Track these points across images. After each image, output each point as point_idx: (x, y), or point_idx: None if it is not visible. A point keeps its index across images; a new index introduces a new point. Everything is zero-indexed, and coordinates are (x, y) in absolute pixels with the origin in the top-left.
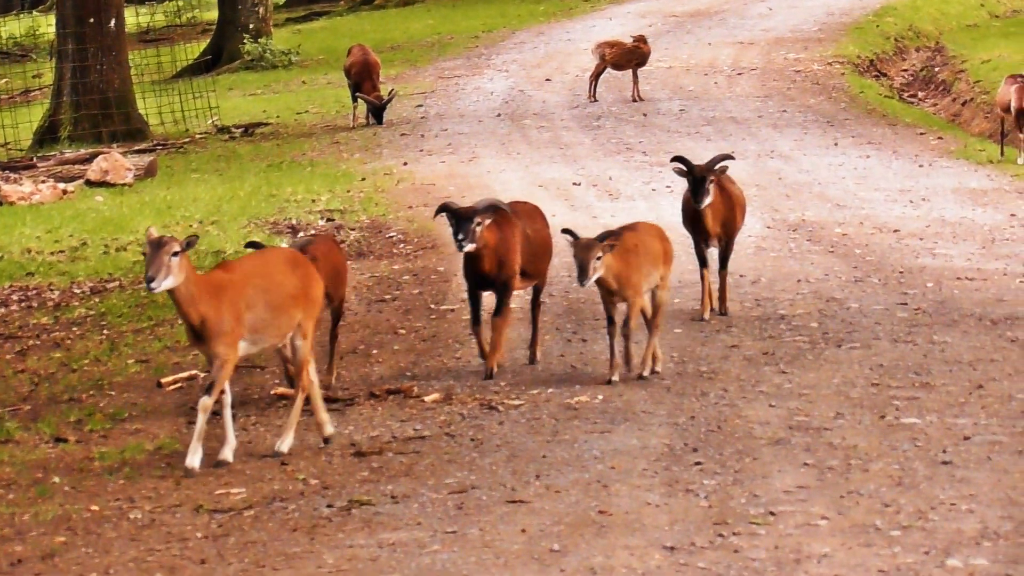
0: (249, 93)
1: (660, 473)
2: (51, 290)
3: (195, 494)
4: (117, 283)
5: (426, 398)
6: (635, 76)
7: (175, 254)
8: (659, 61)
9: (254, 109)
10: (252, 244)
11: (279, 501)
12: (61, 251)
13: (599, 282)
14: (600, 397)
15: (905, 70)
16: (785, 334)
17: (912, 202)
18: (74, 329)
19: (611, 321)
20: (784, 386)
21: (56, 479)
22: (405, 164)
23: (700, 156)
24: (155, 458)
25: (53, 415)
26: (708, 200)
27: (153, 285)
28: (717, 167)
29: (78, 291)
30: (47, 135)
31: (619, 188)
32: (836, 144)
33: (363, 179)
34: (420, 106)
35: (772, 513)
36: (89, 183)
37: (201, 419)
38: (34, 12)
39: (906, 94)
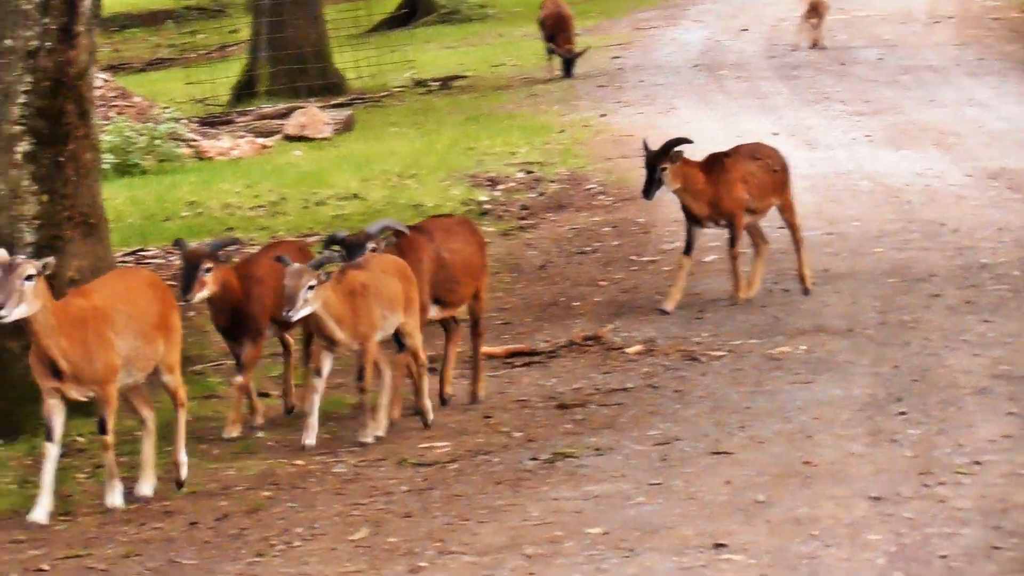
0: (445, 46)
1: (864, 423)
2: (251, 244)
3: (399, 448)
4: (317, 237)
5: (628, 350)
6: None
7: (29, 277)
8: (856, 10)
9: (450, 62)
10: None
11: (483, 454)
12: (260, 206)
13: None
14: (803, 347)
15: None
16: (987, 283)
17: None
18: None
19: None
20: (987, 335)
21: (260, 434)
22: (603, 116)
23: (898, 105)
24: (358, 412)
25: (256, 369)
26: (658, 192)
27: (2, 313)
28: (671, 152)
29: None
30: (244, 90)
31: (817, 138)
32: None
33: (561, 131)
34: (617, 58)
35: (977, 463)
36: (287, 137)
37: (109, 456)
38: None
39: None
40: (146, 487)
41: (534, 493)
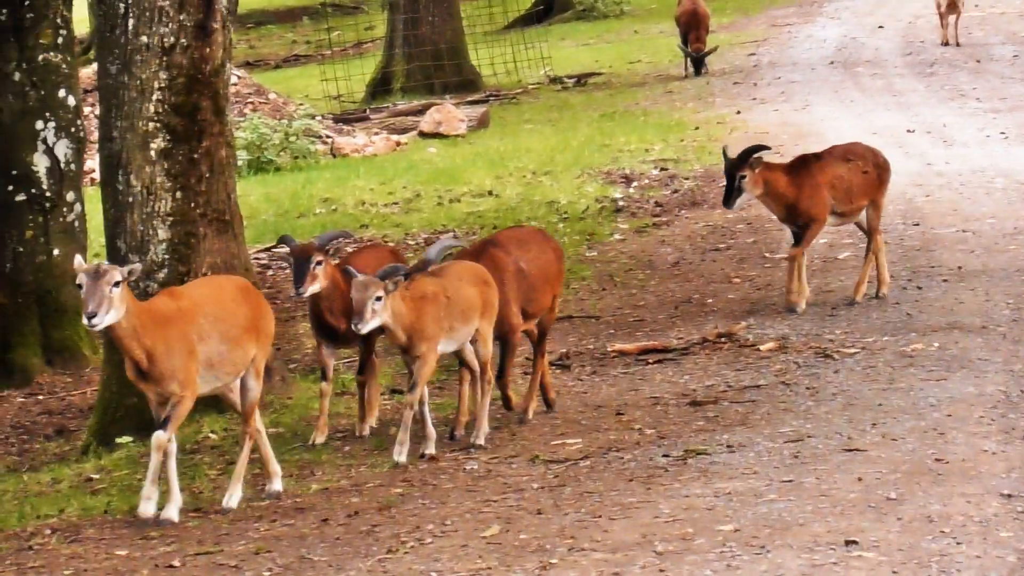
0: (581, 43)
1: (997, 420)
2: (385, 242)
3: (531, 445)
4: (451, 234)
5: (761, 347)
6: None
7: (116, 284)
8: (992, 7)
9: (586, 59)
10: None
11: (615, 451)
12: (395, 202)
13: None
14: (936, 344)
15: None
16: None
17: None
18: None
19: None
20: None
21: (393, 430)
22: (738, 113)
23: None
24: (491, 408)
25: (389, 366)
26: (739, 200)
27: (95, 321)
28: (751, 159)
29: (412, 242)
30: (380, 87)
31: (953, 135)
32: None
33: (696, 128)
34: (752, 55)
35: None
36: (422, 134)
37: (154, 458)
38: None
39: None
40: (276, 483)
41: (666, 490)
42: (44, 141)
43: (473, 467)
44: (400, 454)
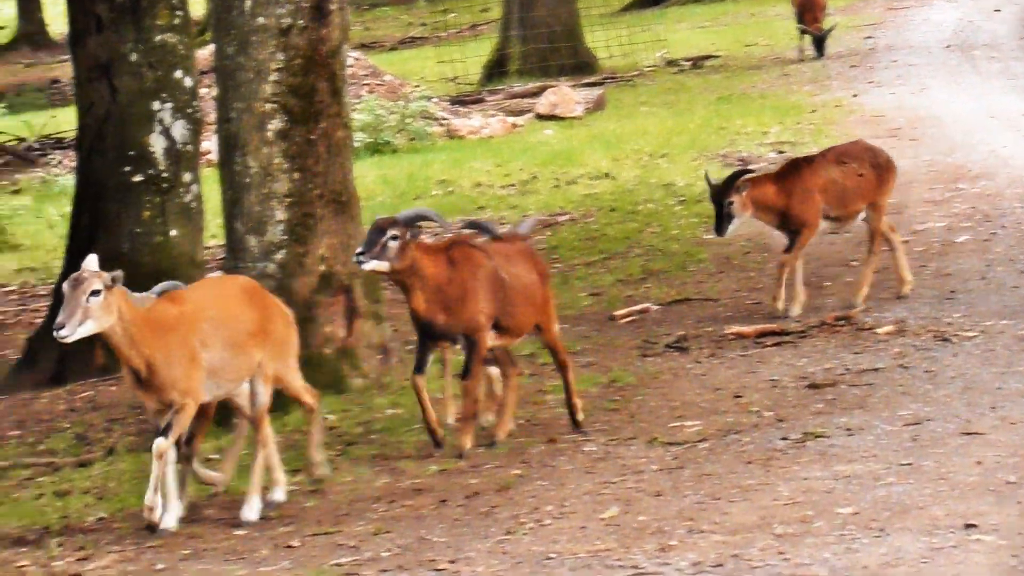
0: (697, 26)
1: None
2: (502, 223)
3: (650, 427)
4: (568, 216)
5: (879, 330)
6: None
7: (95, 293)
8: None
9: (702, 42)
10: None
11: (734, 434)
12: (511, 184)
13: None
14: None
15: None
16: None
17: None
18: None
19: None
20: None
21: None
22: (855, 96)
23: None
24: (608, 391)
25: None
26: (731, 227)
27: (63, 333)
28: (736, 184)
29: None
30: (496, 69)
31: None
32: None
33: (813, 111)
34: (869, 38)
35: None
36: (538, 116)
37: (156, 467)
38: None
39: None
40: (279, 492)
41: (784, 472)
42: (161, 122)
43: (592, 449)
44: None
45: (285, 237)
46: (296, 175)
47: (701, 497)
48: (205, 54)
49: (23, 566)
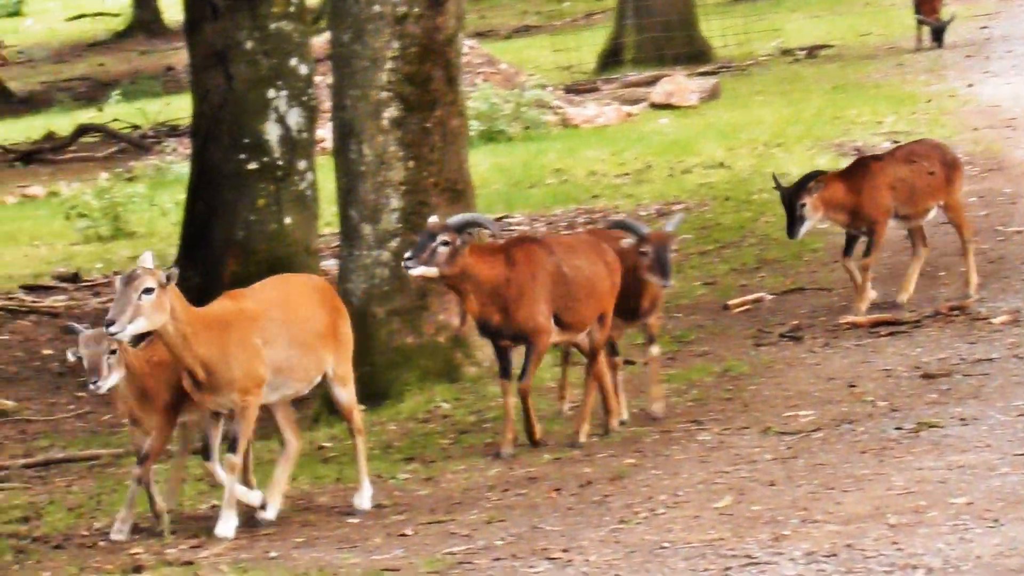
0: (812, 15)
1: None
2: (616, 212)
3: (763, 416)
4: (682, 205)
5: (994, 320)
6: None
7: (147, 291)
8: None
9: (817, 31)
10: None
11: (847, 423)
12: (626, 173)
13: None
14: None
15: None
16: None
17: None
18: None
19: None
20: None
21: (625, 401)
22: (970, 86)
23: None
24: (722, 380)
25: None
26: (803, 228)
27: (114, 329)
28: (809, 186)
29: (643, 213)
30: (610, 58)
31: None
32: None
33: (928, 101)
34: (984, 28)
35: None
36: (653, 105)
37: (228, 480)
38: None
39: None
40: (271, 510)
41: (898, 462)
42: (276, 110)
43: (705, 438)
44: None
45: (400, 225)
46: (411, 163)
47: (814, 487)
48: (321, 42)
49: (136, 554)
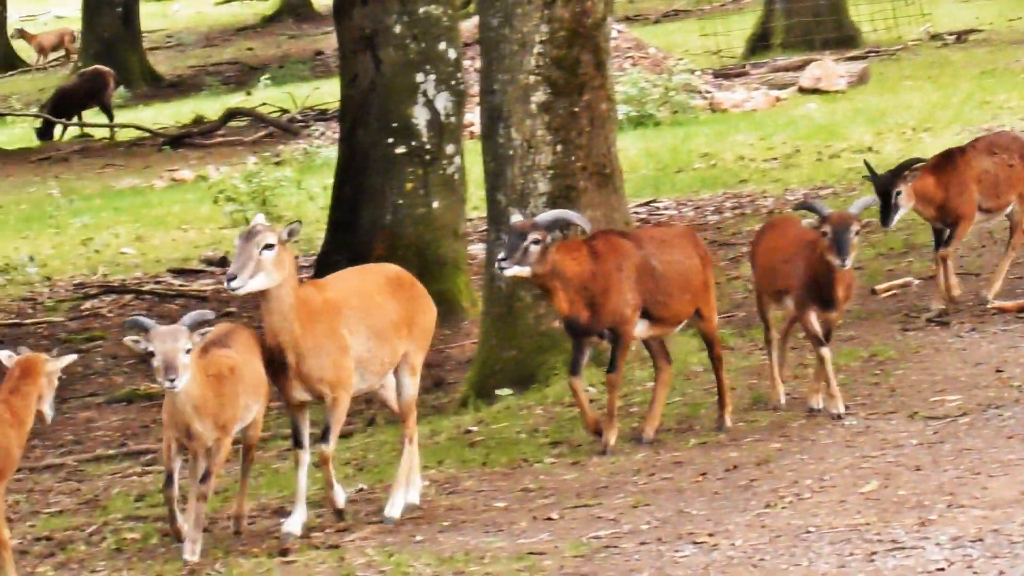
0: (961, 0)
1: None
2: (764, 197)
3: (910, 401)
4: (831, 191)
5: None
6: None
7: (268, 247)
8: None
9: (966, 15)
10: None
11: (994, 408)
12: (774, 158)
13: None
14: None
15: None
16: None
17: None
18: None
19: None
20: None
21: (770, 385)
22: None
23: None
24: (869, 365)
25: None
26: (897, 216)
27: (235, 284)
28: (906, 174)
29: (791, 198)
30: (759, 43)
31: None
32: None
33: None
34: None
35: None
36: (801, 90)
37: (326, 472)
38: None
39: None
40: (413, 494)
41: None
42: (424, 94)
43: (852, 423)
44: None
45: (547, 209)
46: (559, 147)
47: (961, 472)
48: (469, 26)
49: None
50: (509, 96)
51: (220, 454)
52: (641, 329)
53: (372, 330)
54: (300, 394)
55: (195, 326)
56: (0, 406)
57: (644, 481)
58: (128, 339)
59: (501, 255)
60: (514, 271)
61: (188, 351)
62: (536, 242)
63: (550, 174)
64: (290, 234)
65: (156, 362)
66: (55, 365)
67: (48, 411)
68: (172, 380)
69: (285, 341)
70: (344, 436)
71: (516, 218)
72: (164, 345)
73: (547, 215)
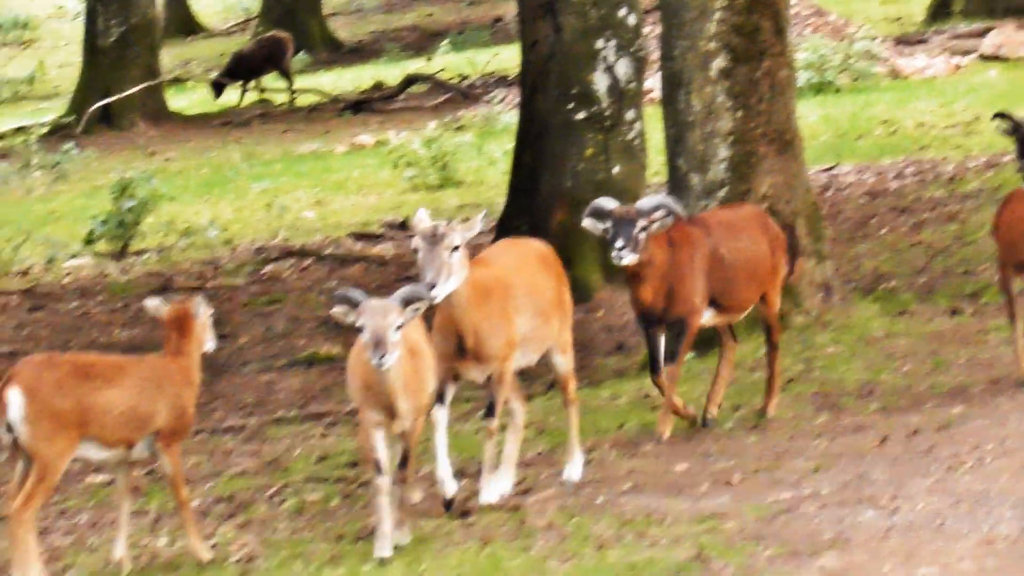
0: None
1: None
2: (945, 163)
3: None
4: (1009, 157)
5: None
6: None
7: (455, 248)
8: None
9: None
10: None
11: None
12: (954, 125)
13: None
14: None
15: None
16: None
17: None
18: (968, 202)
19: None
20: None
21: (952, 351)
22: None
23: None
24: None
25: (948, 287)
26: None
27: (435, 293)
28: None
29: (972, 165)
30: (940, 10)
31: None
32: None
33: None
34: None
35: None
36: (982, 57)
37: (489, 447)
38: None
39: None
40: (491, 492)
41: None
42: (604, 60)
43: None
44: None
45: (728, 175)
46: (739, 113)
47: None
48: None
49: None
50: (689, 62)
51: (415, 435)
52: (707, 317)
53: (536, 308)
54: (475, 373)
55: (407, 302)
56: (170, 367)
57: (825, 445)
58: (336, 310)
59: (619, 243)
60: (630, 259)
61: (399, 328)
62: (643, 229)
63: (730, 140)
64: (471, 233)
65: (364, 338)
66: (205, 312)
67: (211, 345)
68: (381, 357)
69: (465, 327)
70: (527, 399)
71: (608, 203)
72: (374, 321)
73: (648, 201)
